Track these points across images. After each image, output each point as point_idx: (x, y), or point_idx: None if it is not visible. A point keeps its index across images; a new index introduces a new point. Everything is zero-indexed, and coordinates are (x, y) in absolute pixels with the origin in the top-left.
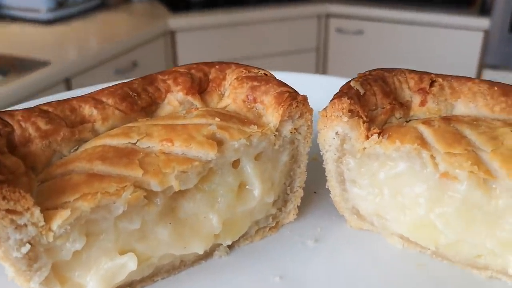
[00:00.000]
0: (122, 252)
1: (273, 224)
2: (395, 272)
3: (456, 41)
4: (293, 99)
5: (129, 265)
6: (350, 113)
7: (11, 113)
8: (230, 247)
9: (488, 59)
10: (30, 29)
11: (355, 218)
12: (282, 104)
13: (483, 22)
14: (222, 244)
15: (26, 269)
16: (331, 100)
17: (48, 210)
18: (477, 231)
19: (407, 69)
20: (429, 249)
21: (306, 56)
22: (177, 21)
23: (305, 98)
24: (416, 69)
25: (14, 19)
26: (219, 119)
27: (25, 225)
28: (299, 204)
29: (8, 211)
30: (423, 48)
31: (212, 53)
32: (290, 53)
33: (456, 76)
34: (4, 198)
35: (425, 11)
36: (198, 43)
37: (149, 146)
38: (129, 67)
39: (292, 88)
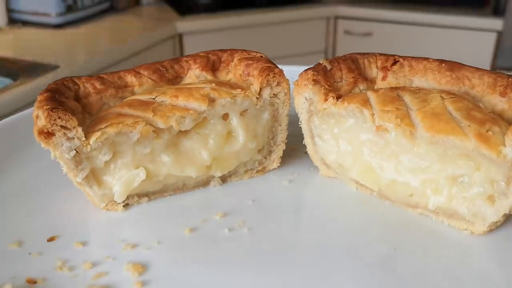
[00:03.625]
0: (137, 167)
1: (260, 168)
2: (345, 208)
3: (468, 43)
4: (271, 71)
5: (140, 175)
6: (314, 82)
7: (79, 77)
8: (223, 180)
9: (501, 61)
10: (40, 33)
11: (324, 167)
12: (261, 75)
13: (496, 23)
14: (215, 177)
15: (74, 167)
16: (300, 73)
17: (89, 133)
18: (404, 173)
19: (379, 53)
20: (374, 191)
21: (314, 58)
22: (185, 24)
23: (280, 71)
24: None
25: (25, 23)
26: (214, 84)
27: (73, 138)
28: (281, 155)
29: (62, 126)
30: (433, 49)
31: None
32: (298, 55)
33: (418, 57)
34: (59, 117)
35: (435, 12)
36: (206, 45)
37: (163, 100)
38: None
39: (275, 64)
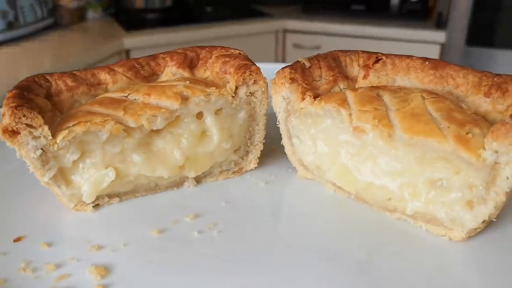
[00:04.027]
0: (107, 167)
1: (236, 169)
2: (322, 211)
3: (413, 54)
4: (247, 69)
5: (109, 175)
6: (291, 80)
7: (51, 74)
8: (197, 181)
9: None
10: None
11: (302, 169)
12: (237, 72)
13: (439, 36)
14: (189, 177)
15: (40, 167)
16: (277, 71)
17: (57, 131)
18: (382, 176)
19: (362, 50)
20: (352, 194)
21: None
22: (132, 40)
23: (257, 69)
24: None
25: None
26: (188, 82)
27: (39, 136)
28: (259, 156)
29: (27, 125)
30: None
31: None
32: None
33: (402, 55)
34: (24, 115)
35: (381, 26)
36: None
37: (135, 98)
38: None
39: (252, 62)
